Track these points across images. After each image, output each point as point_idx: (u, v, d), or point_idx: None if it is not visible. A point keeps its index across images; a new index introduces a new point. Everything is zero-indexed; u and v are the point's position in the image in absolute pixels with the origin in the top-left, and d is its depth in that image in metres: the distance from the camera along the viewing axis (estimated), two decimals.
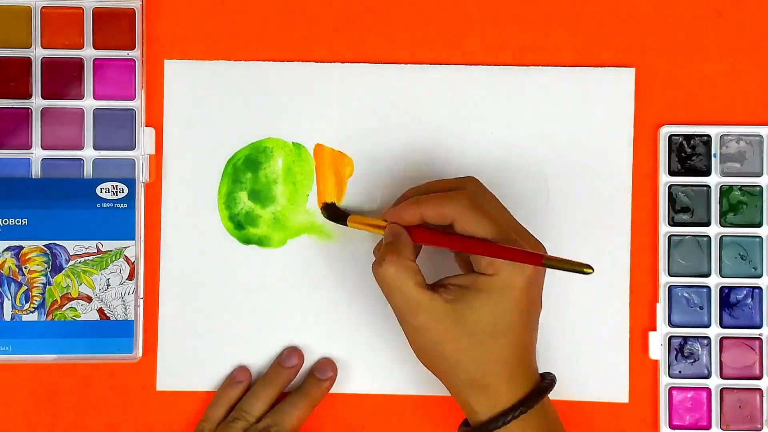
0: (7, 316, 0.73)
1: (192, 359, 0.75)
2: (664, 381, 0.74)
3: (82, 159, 0.74)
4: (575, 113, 0.75)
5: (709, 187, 0.74)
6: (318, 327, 0.75)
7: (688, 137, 0.75)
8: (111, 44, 0.74)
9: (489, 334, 0.63)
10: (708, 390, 0.74)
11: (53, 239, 0.73)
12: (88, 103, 0.74)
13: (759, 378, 0.74)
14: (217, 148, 0.75)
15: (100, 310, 0.73)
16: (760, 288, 0.74)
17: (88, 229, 0.73)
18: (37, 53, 0.74)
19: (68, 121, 0.74)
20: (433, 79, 0.75)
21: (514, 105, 0.75)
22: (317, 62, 0.75)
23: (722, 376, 0.74)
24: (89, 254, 0.73)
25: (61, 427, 0.74)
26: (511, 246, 0.62)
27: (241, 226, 0.75)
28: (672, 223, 0.74)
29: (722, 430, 0.74)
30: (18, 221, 0.73)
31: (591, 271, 0.59)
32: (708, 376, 0.74)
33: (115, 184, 0.73)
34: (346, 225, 0.71)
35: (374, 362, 0.75)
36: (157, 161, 0.75)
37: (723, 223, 0.74)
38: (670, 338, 0.74)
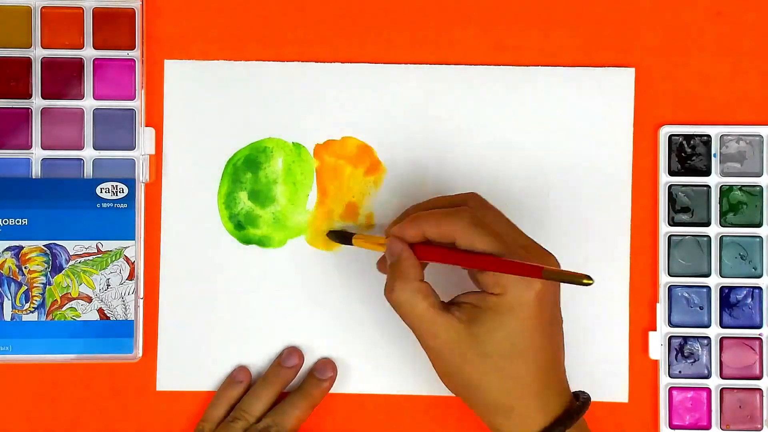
0: (7, 316, 0.73)
1: (192, 359, 0.75)
2: (664, 381, 0.74)
3: (82, 159, 0.74)
4: (575, 113, 0.75)
5: (709, 187, 0.74)
6: (318, 327, 0.75)
7: (688, 137, 0.75)
8: (111, 44, 0.74)
9: (506, 356, 0.61)
10: (708, 390, 0.74)
11: (53, 239, 0.73)
12: (88, 103, 0.74)
13: (759, 378, 0.74)
14: (217, 148, 0.75)
15: (100, 310, 0.73)
16: (760, 288, 0.74)
17: (88, 229, 0.73)
18: (37, 53, 0.74)
19: (68, 121, 0.74)
20: (433, 79, 0.75)
21: (514, 105, 0.75)
22: (317, 62, 0.75)
23: (722, 376, 0.74)
24: (89, 254, 0.73)
25: (61, 427, 0.74)
26: (511, 260, 0.60)
27: (241, 226, 0.75)
28: (672, 223, 0.74)
29: (722, 430, 0.74)
30: (18, 221, 0.73)
31: (591, 282, 0.57)
32: (708, 376, 0.74)
33: (115, 184, 0.73)
34: (351, 245, 0.71)
35: (374, 362, 0.75)
36: (157, 161, 0.75)
37: (723, 223, 0.74)
38: (670, 338, 0.74)
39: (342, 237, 0.73)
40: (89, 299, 0.73)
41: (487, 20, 0.75)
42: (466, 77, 0.75)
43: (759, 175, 0.74)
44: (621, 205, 0.75)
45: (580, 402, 0.65)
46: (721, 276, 0.74)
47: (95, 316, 0.73)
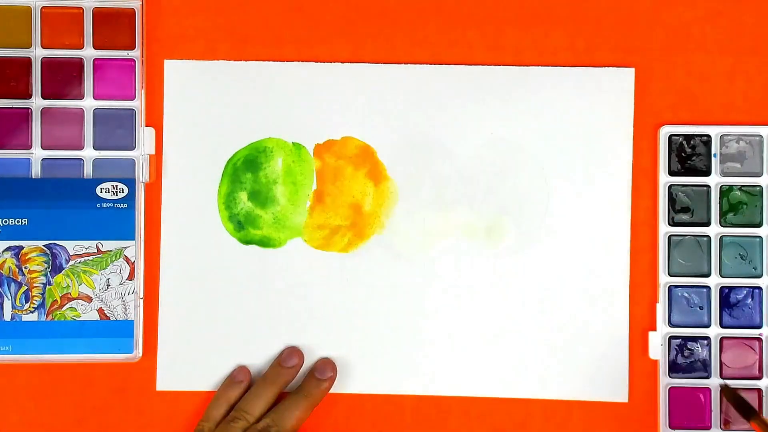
0: (7, 316, 0.73)
1: (192, 359, 0.75)
2: (664, 381, 0.74)
3: (82, 159, 0.74)
4: (575, 113, 0.75)
5: (709, 187, 0.74)
6: (318, 327, 0.75)
7: (688, 137, 0.75)
8: (111, 44, 0.74)
9: None
10: (708, 390, 0.74)
11: (53, 239, 0.73)
12: (88, 103, 0.74)
13: (759, 378, 0.74)
14: (217, 148, 0.75)
15: (100, 310, 0.73)
16: (760, 288, 0.74)
17: (88, 229, 0.73)
18: (37, 53, 0.74)
19: (68, 121, 0.74)
20: (433, 79, 0.75)
21: (514, 105, 0.75)
22: (317, 62, 0.75)
23: (722, 376, 0.74)
24: (89, 254, 0.73)
25: (61, 427, 0.74)
26: None
27: (241, 226, 0.75)
28: (672, 223, 0.74)
29: (722, 430, 0.74)
30: (18, 221, 0.73)
31: None
32: (708, 376, 0.74)
33: (115, 184, 0.73)
34: (748, 420, 0.69)
35: (374, 362, 0.75)
36: (157, 161, 0.75)
37: (723, 223, 0.74)
38: (670, 338, 0.74)
39: (742, 407, 0.70)
40: (89, 299, 0.73)
41: (486, 20, 0.75)
42: (466, 77, 0.75)
43: (759, 175, 0.74)
44: (621, 205, 0.75)
45: None
46: (721, 276, 0.74)
47: (95, 316, 0.73)
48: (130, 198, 0.74)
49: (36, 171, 0.74)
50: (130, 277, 0.74)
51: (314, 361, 0.75)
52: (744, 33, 0.75)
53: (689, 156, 0.75)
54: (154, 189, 0.75)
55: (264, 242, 0.75)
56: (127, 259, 0.73)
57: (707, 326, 0.74)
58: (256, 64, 0.75)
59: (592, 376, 0.74)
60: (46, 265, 0.73)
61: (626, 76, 0.75)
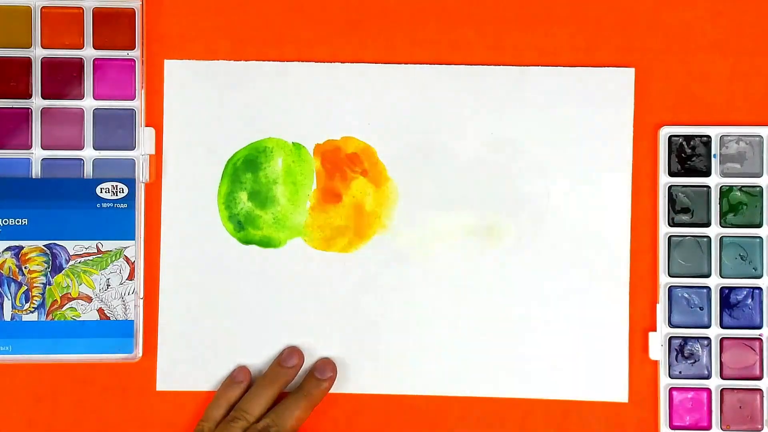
0: (7, 316, 0.73)
1: (192, 359, 0.75)
2: (665, 381, 0.74)
3: (82, 159, 0.74)
4: (575, 113, 0.75)
5: (709, 187, 0.74)
6: (318, 327, 0.75)
7: (688, 138, 0.75)
8: (111, 44, 0.74)
9: None
10: (708, 390, 0.74)
11: (53, 239, 0.73)
12: (88, 103, 0.74)
13: (759, 378, 0.74)
14: (217, 148, 0.75)
15: (100, 310, 0.73)
16: (760, 288, 0.74)
17: (88, 229, 0.73)
18: (37, 53, 0.74)
19: (68, 121, 0.74)
20: (433, 79, 0.75)
21: (514, 105, 0.75)
22: (317, 62, 0.75)
23: (722, 377, 0.74)
24: (89, 254, 0.73)
25: (61, 427, 0.74)
26: None
27: (241, 226, 0.75)
28: (672, 223, 0.74)
29: (722, 430, 0.74)
30: (18, 221, 0.73)
31: None
32: (708, 377, 0.74)
33: (115, 184, 0.73)
34: None
35: (374, 362, 0.75)
36: (157, 161, 0.75)
37: (723, 224, 0.74)
38: (670, 339, 0.74)
39: None
40: (89, 299, 0.73)
41: (486, 20, 0.75)
42: (466, 77, 0.75)
43: (759, 175, 0.74)
44: (621, 205, 0.75)
45: None
46: (722, 276, 0.74)
47: (95, 316, 0.73)
48: (130, 198, 0.74)
49: (36, 171, 0.74)
50: (130, 277, 0.74)
51: (314, 361, 0.75)
52: (744, 33, 0.75)
53: (689, 156, 0.75)
54: (154, 189, 0.75)
55: (264, 242, 0.75)
56: (127, 259, 0.74)
57: (707, 327, 0.74)
58: (256, 64, 0.75)
59: (592, 376, 0.74)
60: (46, 265, 0.73)
61: (626, 76, 0.75)
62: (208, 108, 0.75)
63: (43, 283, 0.73)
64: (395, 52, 0.75)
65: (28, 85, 0.74)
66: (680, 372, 0.74)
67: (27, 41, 0.74)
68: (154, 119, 0.75)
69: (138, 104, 0.74)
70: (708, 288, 0.74)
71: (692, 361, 0.74)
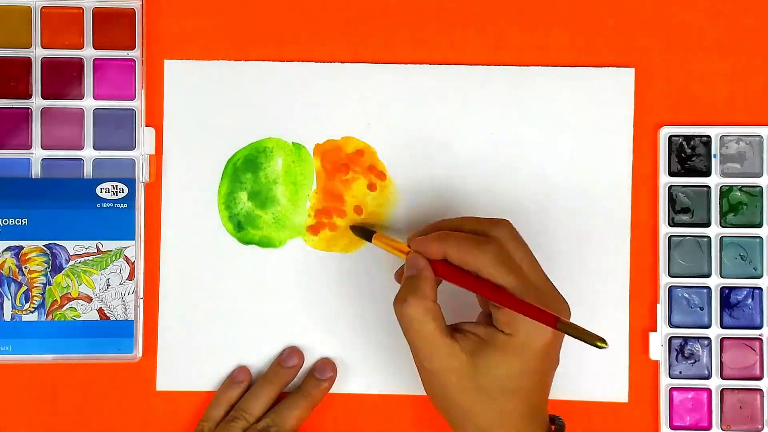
0: (7, 316, 0.73)
1: (192, 359, 0.75)
2: (665, 381, 0.74)
3: (82, 159, 0.74)
4: (575, 113, 0.75)
5: (709, 187, 0.74)
6: (318, 327, 0.75)
7: (688, 138, 0.75)
8: (111, 44, 0.74)
9: (501, 391, 0.62)
10: (708, 390, 0.74)
11: (53, 239, 0.73)
12: (88, 103, 0.74)
13: (759, 378, 0.74)
14: (217, 148, 0.75)
15: (100, 310, 0.73)
16: (760, 288, 0.74)
17: (88, 229, 0.73)
18: (37, 53, 0.74)
19: (68, 121, 0.74)
20: (434, 79, 0.75)
21: (514, 105, 0.75)
22: (317, 62, 0.75)
23: (723, 377, 0.74)
24: (89, 254, 0.73)
25: (61, 427, 0.74)
26: (530, 302, 0.60)
27: (241, 226, 0.75)
28: (672, 223, 0.74)
29: (723, 430, 0.74)
30: (18, 221, 0.73)
31: (605, 346, 0.56)
32: (708, 377, 0.74)
33: (115, 184, 0.73)
34: (370, 242, 0.71)
35: (374, 362, 0.75)
36: (157, 161, 0.75)
37: (723, 224, 0.74)
38: (670, 339, 0.74)
39: (363, 232, 0.73)
40: (89, 299, 0.73)
41: (486, 20, 0.75)
42: (466, 77, 0.75)
43: (759, 175, 0.74)
44: (621, 205, 0.75)
45: (557, 426, 0.66)
46: (722, 276, 0.74)
47: (95, 316, 0.73)
48: (130, 198, 0.74)
49: (36, 171, 0.74)
50: (130, 277, 0.74)
51: (314, 361, 0.75)
52: (744, 33, 0.75)
53: (689, 156, 0.75)
54: (154, 189, 0.75)
55: (264, 242, 0.75)
56: (127, 259, 0.73)
57: (707, 327, 0.74)
58: (256, 64, 0.75)
59: (592, 376, 0.74)
60: (46, 265, 0.73)
61: (626, 76, 0.75)
62: (208, 108, 0.75)
63: (43, 283, 0.73)
64: (395, 52, 0.75)
65: (28, 85, 0.74)
66: (680, 372, 0.74)
67: (27, 41, 0.74)
68: (154, 119, 0.75)
69: (138, 104, 0.74)
70: (708, 288, 0.74)
71: (692, 361, 0.74)
